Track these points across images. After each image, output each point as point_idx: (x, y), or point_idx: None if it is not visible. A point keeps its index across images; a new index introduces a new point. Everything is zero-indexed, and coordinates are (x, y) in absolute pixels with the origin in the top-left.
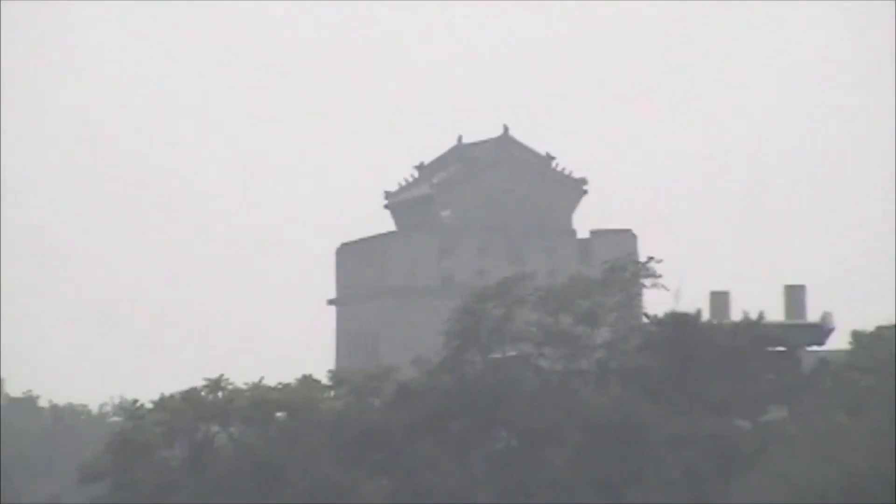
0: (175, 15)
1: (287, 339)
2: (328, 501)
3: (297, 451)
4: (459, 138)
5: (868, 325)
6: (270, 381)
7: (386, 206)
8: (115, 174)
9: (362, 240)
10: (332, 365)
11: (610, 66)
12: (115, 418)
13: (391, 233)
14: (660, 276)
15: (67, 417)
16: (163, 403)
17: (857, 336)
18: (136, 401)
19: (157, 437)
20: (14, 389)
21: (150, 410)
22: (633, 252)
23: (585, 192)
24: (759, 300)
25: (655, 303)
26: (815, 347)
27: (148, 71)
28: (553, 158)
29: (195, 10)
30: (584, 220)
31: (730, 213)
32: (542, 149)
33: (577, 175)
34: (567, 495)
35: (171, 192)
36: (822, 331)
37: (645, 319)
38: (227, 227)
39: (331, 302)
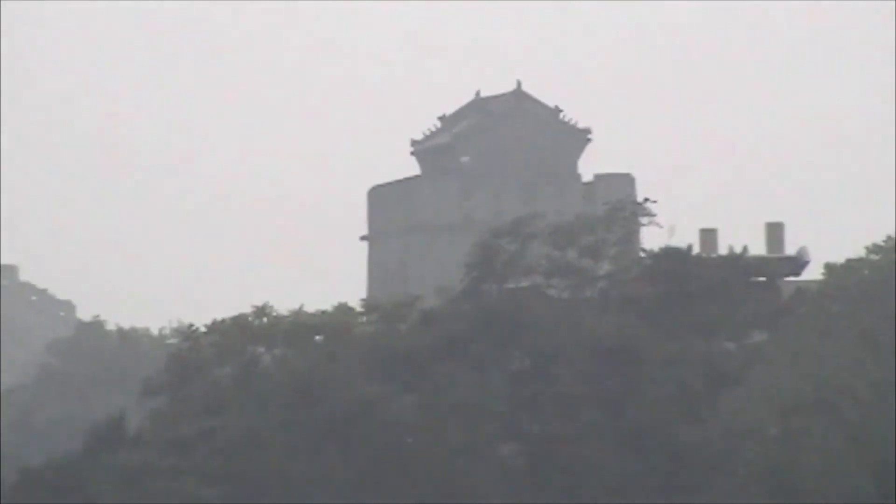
0: None
1: (324, 271)
2: (361, 414)
3: (334, 370)
4: (477, 93)
5: (839, 258)
6: (310, 308)
7: (412, 153)
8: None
9: (391, 183)
10: (364, 294)
11: (611, 28)
12: (173, 340)
13: (417, 177)
14: (655, 215)
15: (131, 339)
16: (215, 327)
17: (829, 268)
18: (191, 325)
19: (209, 356)
20: (85, 315)
21: (203, 333)
22: (632, 193)
23: (589, 140)
24: (743, 236)
25: (651, 239)
26: (792, 278)
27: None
28: (561, 111)
29: None
30: (589, 166)
31: (720, 159)
32: (551, 102)
33: (581, 125)
34: (573, 409)
35: (222, 160)
36: (798, 263)
37: (642, 254)
38: (271, 174)
39: (363, 238)
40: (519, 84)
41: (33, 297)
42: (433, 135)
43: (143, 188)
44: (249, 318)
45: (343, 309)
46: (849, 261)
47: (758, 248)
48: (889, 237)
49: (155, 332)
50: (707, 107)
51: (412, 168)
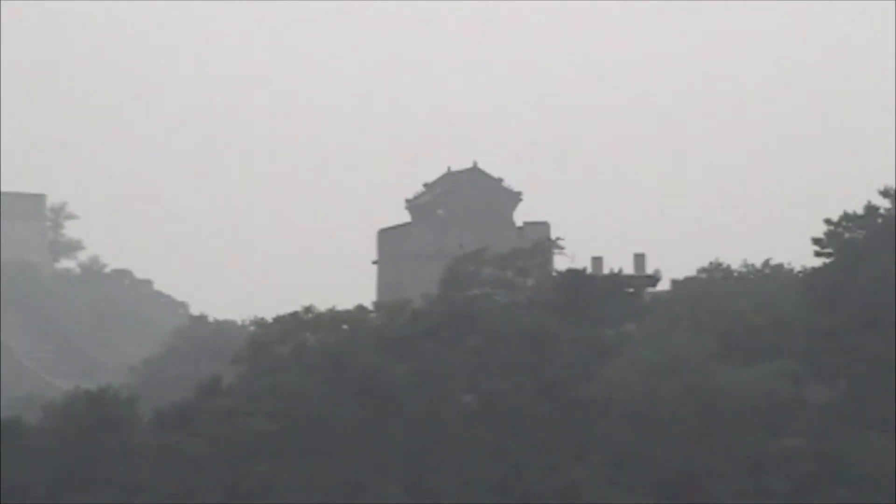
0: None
1: (350, 285)
2: (372, 377)
3: (355, 348)
4: (449, 168)
5: (681, 276)
6: (339, 308)
7: (406, 208)
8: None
9: (393, 227)
10: (374, 299)
11: (536, 123)
12: (251, 328)
13: (409, 223)
14: (563, 248)
15: (224, 327)
16: (278, 319)
17: (674, 283)
18: (262, 317)
19: (274, 338)
20: (195, 311)
21: (269, 324)
22: (548, 234)
23: (521, 199)
24: (619, 262)
25: (561, 263)
26: (650, 289)
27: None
28: (502, 180)
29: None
30: (520, 216)
31: (606, 213)
32: (496, 174)
33: (516, 190)
34: (509, 373)
35: (271, 213)
36: (654, 280)
37: (554, 273)
38: (320, 223)
39: (374, 262)
40: (475, 163)
41: (161, 300)
42: (420, 195)
43: (234, 227)
44: (300, 314)
45: (361, 308)
46: (686, 278)
47: (629, 269)
48: (711, 262)
49: (239, 322)
50: (601, 176)
51: (406, 217)
